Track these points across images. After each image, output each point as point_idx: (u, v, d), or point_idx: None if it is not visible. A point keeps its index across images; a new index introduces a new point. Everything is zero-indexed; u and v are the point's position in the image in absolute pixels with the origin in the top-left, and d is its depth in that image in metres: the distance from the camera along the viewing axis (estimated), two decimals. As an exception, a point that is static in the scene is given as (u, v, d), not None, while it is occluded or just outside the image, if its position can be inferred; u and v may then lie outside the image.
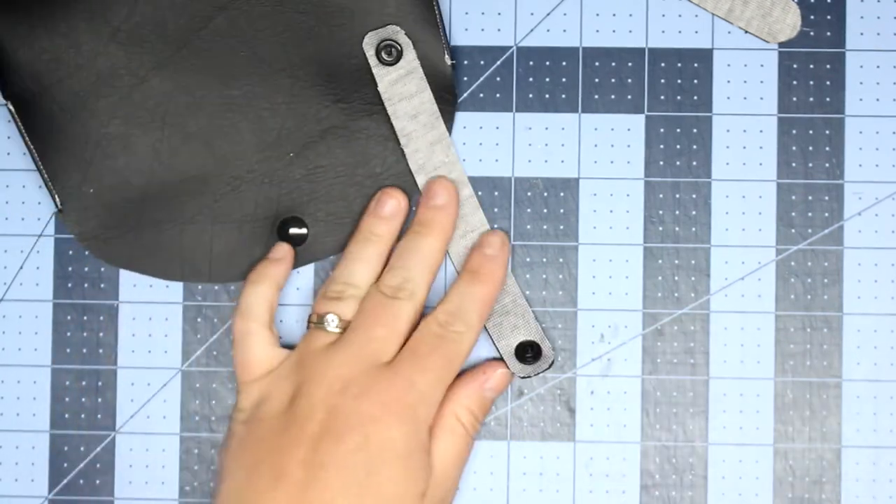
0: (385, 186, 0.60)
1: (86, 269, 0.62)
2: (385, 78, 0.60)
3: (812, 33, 0.61)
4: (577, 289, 0.61)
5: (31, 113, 0.60)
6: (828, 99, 0.61)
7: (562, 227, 0.61)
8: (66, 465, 0.62)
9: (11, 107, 0.60)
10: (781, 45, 0.61)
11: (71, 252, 0.62)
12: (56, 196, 0.60)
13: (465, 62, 0.62)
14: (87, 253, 0.62)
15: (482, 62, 0.61)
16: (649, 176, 0.61)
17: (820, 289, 0.61)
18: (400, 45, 0.60)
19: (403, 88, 0.60)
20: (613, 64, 0.62)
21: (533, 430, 0.61)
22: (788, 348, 0.61)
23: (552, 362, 0.61)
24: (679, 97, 0.61)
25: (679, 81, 0.61)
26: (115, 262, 0.61)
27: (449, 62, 0.60)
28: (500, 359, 0.60)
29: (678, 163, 0.61)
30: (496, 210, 0.61)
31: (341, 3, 0.60)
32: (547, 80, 0.62)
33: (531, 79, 0.62)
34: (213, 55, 0.60)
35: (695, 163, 0.61)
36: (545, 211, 0.61)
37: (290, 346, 0.60)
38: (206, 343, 0.62)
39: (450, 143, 0.60)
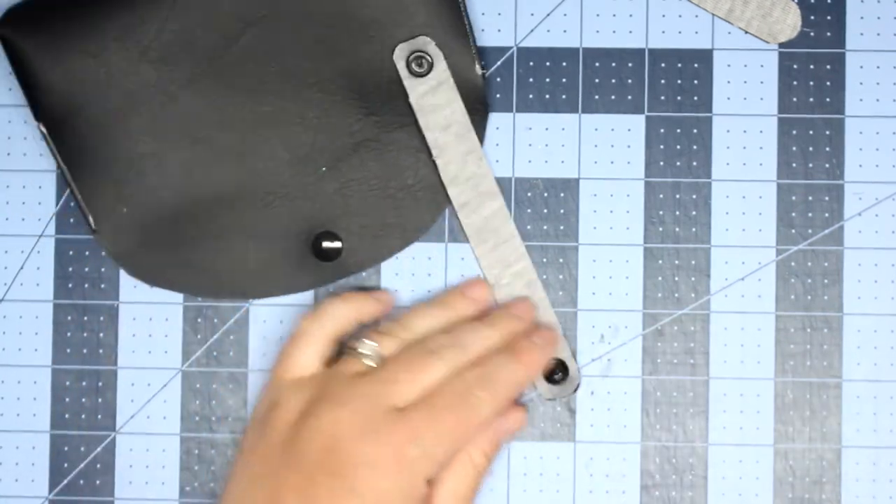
0: (472, 278, 0.61)
1: (86, 269, 0.62)
2: (416, 89, 0.60)
3: (812, 34, 0.61)
4: (578, 289, 0.61)
5: (63, 133, 0.59)
6: (828, 99, 0.61)
7: (562, 227, 0.61)
8: (66, 465, 0.62)
9: (43, 128, 0.59)
10: (781, 45, 0.61)
11: (71, 252, 0.62)
12: (90, 217, 0.60)
13: (466, 62, 0.62)
14: (87, 253, 0.62)
15: (483, 63, 0.61)
16: (649, 176, 0.61)
17: (820, 289, 0.61)
18: (430, 56, 0.60)
19: (434, 99, 0.60)
20: (613, 64, 0.62)
21: (533, 430, 0.61)
22: (788, 348, 0.61)
23: (577, 386, 0.61)
24: (679, 97, 0.61)
25: (679, 82, 0.61)
26: (151, 281, 0.61)
27: (479, 72, 0.60)
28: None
29: (678, 163, 0.61)
30: (496, 210, 0.62)
31: (371, 15, 0.60)
32: (547, 80, 0.62)
33: (531, 79, 0.62)
34: (243, 71, 0.60)
35: (695, 163, 0.61)
36: (545, 211, 0.61)
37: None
38: (206, 343, 0.62)
39: (482, 155, 0.60)
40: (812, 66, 0.61)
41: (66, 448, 0.62)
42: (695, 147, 0.61)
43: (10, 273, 0.62)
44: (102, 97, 0.60)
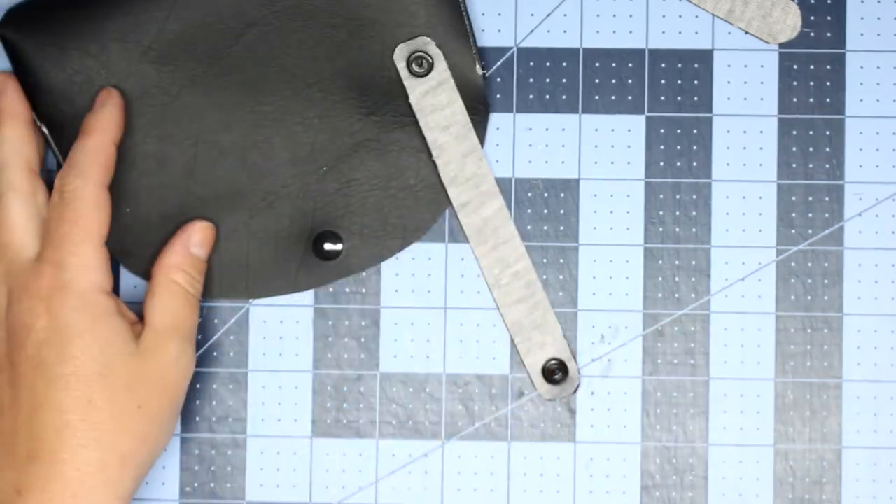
0: None
1: (86, 269, 0.62)
2: (416, 90, 0.60)
3: (812, 34, 0.61)
4: (578, 289, 0.61)
5: (65, 135, 0.59)
6: (828, 100, 0.61)
7: (562, 227, 0.61)
8: (66, 465, 0.62)
9: (45, 129, 0.59)
10: (782, 45, 0.61)
11: (71, 252, 0.62)
12: None
13: (466, 63, 0.62)
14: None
15: (483, 63, 0.61)
16: (649, 176, 0.61)
17: (820, 289, 0.61)
18: (431, 56, 0.60)
19: (435, 100, 0.60)
20: (614, 65, 0.62)
21: (533, 430, 0.61)
22: (789, 349, 0.61)
23: (577, 386, 0.61)
24: (679, 98, 0.61)
25: (679, 82, 0.61)
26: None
27: (480, 72, 0.60)
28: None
29: (678, 163, 0.61)
30: (496, 211, 0.62)
31: (371, 15, 0.60)
32: (547, 80, 0.62)
33: (531, 80, 0.62)
34: (244, 71, 0.60)
35: (695, 163, 0.61)
36: (545, 212, 0.61)
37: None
38: (206, 343, 0.62)
39: (482, 155, 0.60)
40: (812, 67, 0.61)
41: (66, 448, 0.62)
42: (695, 147, 0.61)
43: (10, 273, 0.62)
44: None
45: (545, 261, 0.61)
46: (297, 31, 0.60)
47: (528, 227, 0.61)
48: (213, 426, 0.62)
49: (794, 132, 0.61)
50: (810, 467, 0.61)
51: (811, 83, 0.61)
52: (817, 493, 0.61)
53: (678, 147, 0.61)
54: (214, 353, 0.62)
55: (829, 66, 0.61)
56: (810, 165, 0.61)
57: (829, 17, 0.61)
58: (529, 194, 0.61)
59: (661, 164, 0.61)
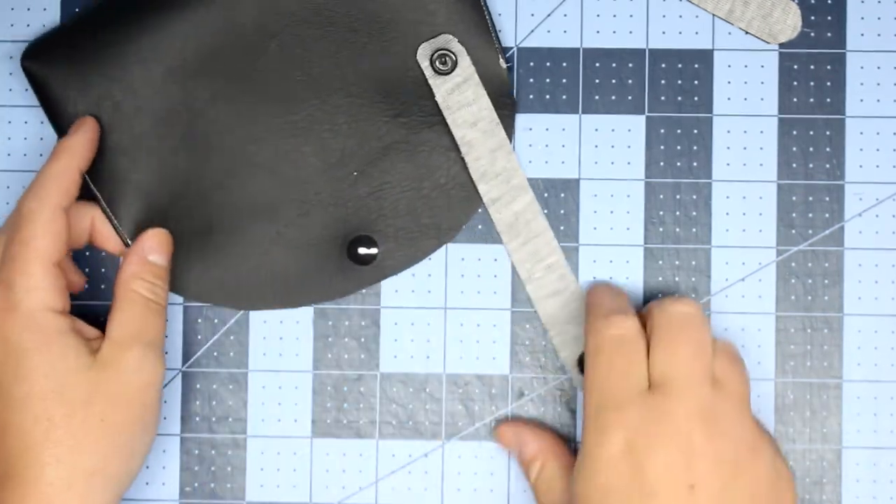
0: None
1: (85, 269, 0.62)
2: (442, 87, 0.60)
3: (812, 34, 0.61)
4: (578, 285, 0.61)
5: (94, 159, 0.59)
6: (828, 100, 0.61)
7: (562, 227, 0.61)
8: (66, 465, 0.62)
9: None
10: (782, 45, 0.61)
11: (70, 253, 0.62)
12: (126, 236, 0.60)
13: (466, 63, 0.62)
14: (86, 254, 0.62)
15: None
16: (650, 177, 0.61)
17: (820, 289, 0.61)
18: (454, 53, 0.60)
19: (461, 97, 0.60)
20: (614, 65, 0.62)
21: (533, 430, 0.61)
22: (789, 349, 0.61)
23: None
24: (679, 98, 0.61)
25: (679, 82, 0.61)
26: (188, 295, 0.61)
27: (504, 65, 0.60)
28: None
29: (679, 164, 0.61)
30: (497, 211, 0.61)
31: (391, 17, 0.60)
32: (547, 80, 0.62)
33: (532, 80, 0.62)
34: (269, 82, 0.60)
35: (695, 163, 0.61)
36: (546, 212, 0.61)
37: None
38: (206, 344, 0.62)
39: (510, 149, 0.60)
40: (812, 67, 0.61)
41: (66, 448, 0.62)
42: (695, 147, 0.61)
43: (10, 273, 0.62)
44: (130, 120, 0.59)
45: (545, 261, 0.61)
46: (318, 39, 0.60)
47: (529, 228, 0.61)
48: (213, 426, 0.62)
49: (795, 132, 0.61)
50: (810, 467, 0.61)
51: (811, 83, 0.61)
52: (817, 494, 0.61)
53: (678, 147, 0.61)
54: (214, 353, 0.62)
55: (829, 66, 0.61)
56: (810, 165, 0.61)
57: (829, 17, 0.61)
58: (529, 194, 0.61)
59: (661, 164, 0.61)
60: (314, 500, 0.62)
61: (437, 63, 0.60)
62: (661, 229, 0.61)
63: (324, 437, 0.62)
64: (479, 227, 0.62)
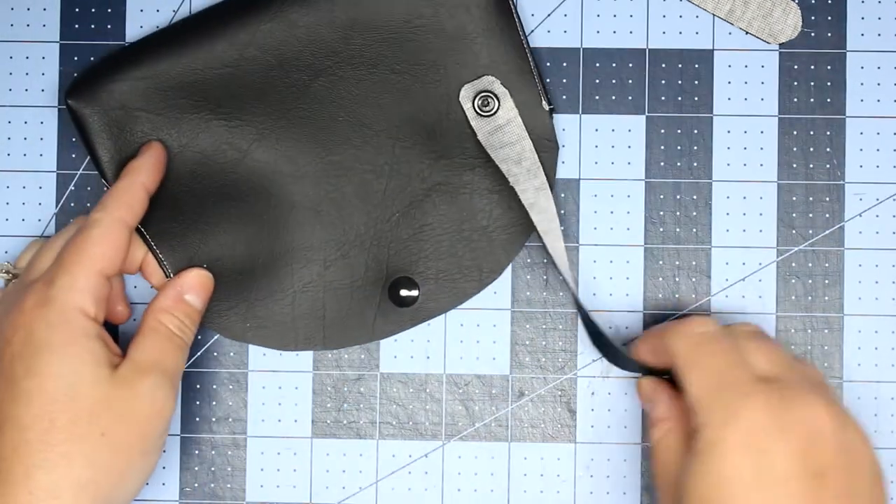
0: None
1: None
2: (484, 129, 0.60)
3: (813, 34, 0.61)
4: (578, 290, 0.61)
5: None
6: (828, 100, 0.61)
7: (563, 227, 0.61)
8: (66, 465, 0.62)
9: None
10: (782, 45, 0.61)
11: (71, 252, 0.62)
12: (168, 269, 0.60)
13: (466, 63, 0.62)
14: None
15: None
16: (650, 177, 0.61)
17: (821, 290, 0.61)
18: (497, 95, 0.60)
19: (504, 137, 0.59)
20: (614, 65, 0.62)
21: (534, 431, 0.61)
22: (789, 349, 0.61)
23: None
24: (680, 98, 0.61)
25: (680, 82, 0.61)
26: (229, 335, 0.61)
27: (546, 107, 0.60)
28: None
29: (679, 164, 0.61)
30: (497, 211, 0.61)
31: (434, 59, 0.60)
32: (548, 80, 0.62)
33: (532, 79, 0.62)
34: (313, 122, 0.60)
35: (695, 164, 0.61)
36: (546, 212, 0.61)
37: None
38: (206, 344, 0.62)
39: (549, 195, 0.60)
40: (813, 67, 0.61)
41: (65, 448, 0.62)
42: (695, 147, 0.61)
43: (10, 273, 0.62)
44: (175, 159, 0.59)
45: (546, 261, 0.61)
46: (362, 80, 0.60)
47: (529, 228, 0.61)
48: (213, 426, 0.62)
49: (795, 132, 0.61)
50: (811, 468, 0.61)
51: (811, 83, 0.61)
52: (818, 494, 0.60)
53: (678, 147, 0.61)
54: (214, 353, 0.62)
55: (829, 66, 0.61)
56: (811, 165, 0.61)
57: (829, 17, 0.61)
58: (530, 194, 0.61)
59: (662, 164, 0.61)
60: (314, 500, 0.61)
61: (479, 105, 0.60)
62: (661, 229, 0.61)
63: (324, 437, 0.62)
64: (480, 227, 0.62)
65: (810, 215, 0.61)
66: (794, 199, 0.61)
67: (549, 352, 0.61)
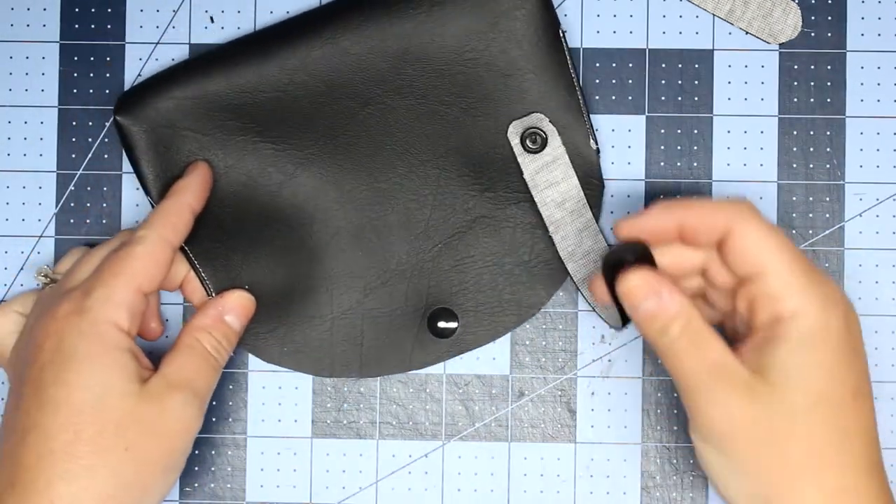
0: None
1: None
2: (530, 166, 0.60)
3: (813, 34, 0.61)
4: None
5: None
6: (829, 100, 0.61)
7: (562, 227, 0.61)
8: (66, 465, 0.62)
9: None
10: (782, 45, 0.61)
11: (71, 253, 0.62)
12: (212, 292, 0.60)
13: (466, 63, 0.62)
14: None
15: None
16: (650, 177, 0.61)
17: (821, 290, 0.61)
18: (544, 132, 0.60)
19: (549, 175, 0.59)
20: (614, 65, 0.62)
21: (533, 431, 0.61)
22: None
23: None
24: (680, 98, 0.61)
25: (680, 82, 0.61)
26: (265, 357, 0.61)
27: (594, 147, 0.60)
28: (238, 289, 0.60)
29: (679, 164, 0.61)
30: (497, 211, 0.61)
31: (484, 93, 0.60)
32: (547, 80, 0.62)
33: (532, 79, 0.62)
34: (359, 149, 0.60)
35: (695, 164, 0.61)
36: (546, 212, 0.61)
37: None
38: (206, 344, 0.62)
39: (597, 230, 0.59)
40: (813, 67, 0.61)
41: (65, 448, 0.62)
42: (695, 147, 0.61)
43: (10, 273, 0.62)
44: (221, 179, 0.59)
45: (545, 261, 0.61)
46: (409, 109, 0.60)
47: (529, 228, 0.61)
48: (213, 426, 0.62)
49: (795, 132, 0.61)
50: (811, 468, 0.61)
51: (811, 83, 0.61)
52: (818, 494, 0.60)
53: (678, 147, 0.61)
54: (214, 354, 0.62)
55: (829, 66, 0.61)
56: (811, 165, 0.61)
57: (829, 17, 0.61)
58: (530, 194, 0.61)
59: (661, 164, 0.61)
60: (314, 500, 0.62)
61: (527, 141, 0.60)
62: (661, 229, 0.61)
63: (324, 437, 0.62)
64: (479, 227, 0.62)
65: (810, 215, 0.61)
66: (794, 199, 0.61)
67: (549, 352, 0.61)
